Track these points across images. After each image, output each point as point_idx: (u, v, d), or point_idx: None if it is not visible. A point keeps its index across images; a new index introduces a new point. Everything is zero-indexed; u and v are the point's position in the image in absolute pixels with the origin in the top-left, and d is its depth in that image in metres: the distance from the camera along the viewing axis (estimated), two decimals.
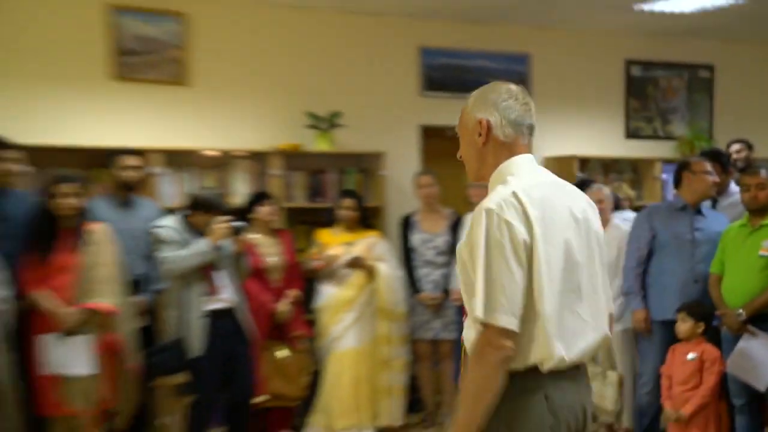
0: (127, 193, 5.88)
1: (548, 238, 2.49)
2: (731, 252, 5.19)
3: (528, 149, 2.70)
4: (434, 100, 7.54)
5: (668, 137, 8.64)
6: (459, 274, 2.63)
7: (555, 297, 2.49)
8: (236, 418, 5.58)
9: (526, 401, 2.50)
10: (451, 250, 6.30)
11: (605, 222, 5.93)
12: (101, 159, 6.06)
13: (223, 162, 6.77)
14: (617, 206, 6.27)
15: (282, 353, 6.15)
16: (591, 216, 2.70)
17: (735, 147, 6.83)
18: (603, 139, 8.35)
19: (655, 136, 8.64)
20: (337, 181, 7.08)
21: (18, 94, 6.21)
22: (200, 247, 5.32)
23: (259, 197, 6.22)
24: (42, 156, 5.99)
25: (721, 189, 5.87)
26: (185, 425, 5.52)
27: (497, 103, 2.66)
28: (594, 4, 7.28)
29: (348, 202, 6.44)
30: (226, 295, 5.46)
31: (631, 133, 8.55)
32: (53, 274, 5.26)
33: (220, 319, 5.40)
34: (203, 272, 5.37)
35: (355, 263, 6.29)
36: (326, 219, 6.57)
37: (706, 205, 5.64)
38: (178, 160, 6.57)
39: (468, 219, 6.19)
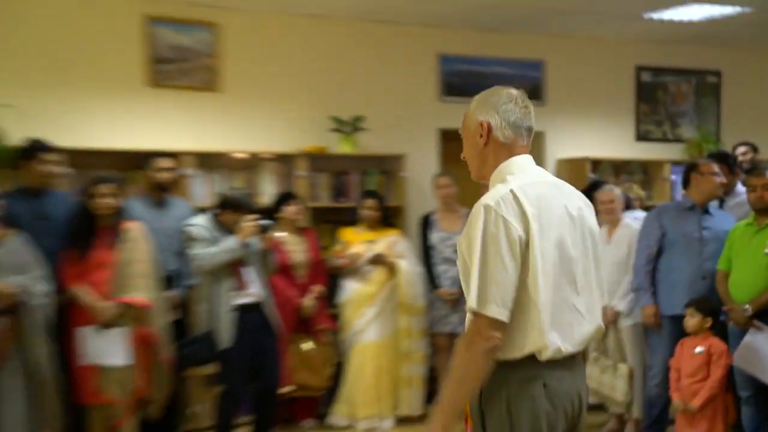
0: (161, 193, 5.90)
1: (544, 233, 2.50)
2: (738, 250, 5.15)
3: (526, 150, 2.71)
4: (452, 105, 7.47)
5: (677, 140, 8.57)
6: (459, 265, 2.63)
7: (550, 289, 2.50)
8: (263, 407, 5.57)
9: (526, 389, 2.52)
10: None
11: (616, 221, 5.90)
12: (137, 161, 6.10)
13: (252, 164, 6.78)
14: (628, 206, 6.23)
15: (307, 345, 6.16)
16: (586, 214, 2.71)
17: (741, 149, 6.78)
18: (614, 141, 8.29)
19: (664, 139, 8.57)
20: (359, 182, 7.07)
21: (59, 100, 6.23)
22: (229, 244, 5.32)
23: (286, 197, 6.24)
24: (81, 158, 6.04)
25: (728, 189, 5.82)
26: (215, 414, 5.53)
27: (498, 106, 2.66)
28: (605, 14, 7.23)
29: (370, 202, 6.44)
30: (253, 290, 5.45)
31: (642, 136, 8.49)
32: (91, 270, 5.29)
33: (249, 312, 5.39)
34: (232, 268, 5.37)
35: (377, 260, 6.28)
36: (349, 218, 6.56)
37: (713, 204, 5.60)
38: (209, 162, 6.58)
39: None
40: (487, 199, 2.51)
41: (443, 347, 6.51)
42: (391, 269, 6.31)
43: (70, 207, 5.50)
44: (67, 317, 5.31)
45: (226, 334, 5.30)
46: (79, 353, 5.27)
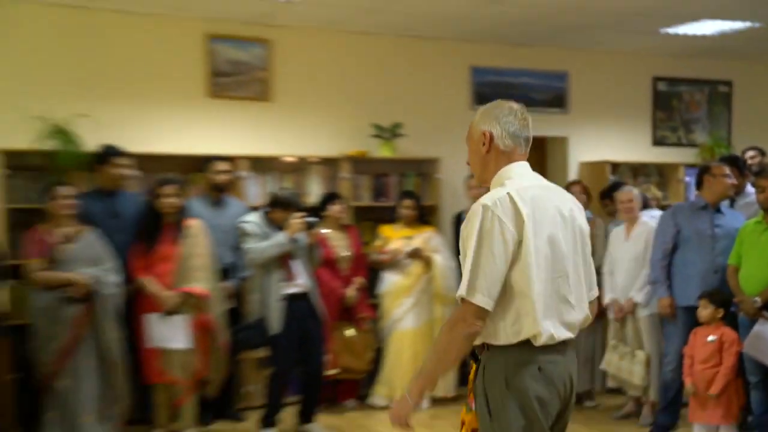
0: (218, 193, 5.92)
1: (537, 232, 2.53)
2: (748, 246, 5.05)
3: (524, 157, 2.73)
4: None
5: (691, 144, 8.46)
6: (461, 258, 2.64)
7: (542, 282, 2.52)
8: (310, 388, 5.56)
9: (523, 371, 2.54)
10: None
11: (634, 219, 5.81)
12: (197, 165, 6.13)
13: (300, 167, 6.77)
14: (646, 205, 6.14)
15: (350, 332, 6.14)
16: (577, 215, 2.72)
17: (750, 153, 6.65)
18: (632, 146, 8.19)
19: (679, 144, 8.47)
20: (398, 183, 7.03)
21: (129, 110, 6.26)
22: (279, 239, 5.30)
23: (331, 197, 6.22)
24: (148, 162, 6.08)
25: (738, 190, 5.73)
26: (266, 393, 5.53)
27: (499, 118, 2.69)
28: (625, 28, 7.15)
29: (408, 201, 6.40)
30: (301, 281, 5.43)
31: (658, 141, 8.38)
32: (157, 262, 5.33)
33: (296, 301, 5.38)
34: (281, 261, 5.35)
35: (415, 254, 6.24)
36: (389, 216, 6.53)
37: (724, 204, 5.50)
38: (262, 165, 6.57)
39: None
40: (486, 199, 2.55)
41: None
42: (427, 263, 6.26)
43: (138, 206, 5.55)
44: (135, 305, 5.36)
45: (275, 321, 5.29)
46: (146, 337, 5.31)
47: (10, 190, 5.67)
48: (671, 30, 7.22)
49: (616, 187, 6.34)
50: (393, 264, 6.27)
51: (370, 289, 6.33)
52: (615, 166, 7.77)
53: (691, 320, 5.20)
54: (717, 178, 5.35)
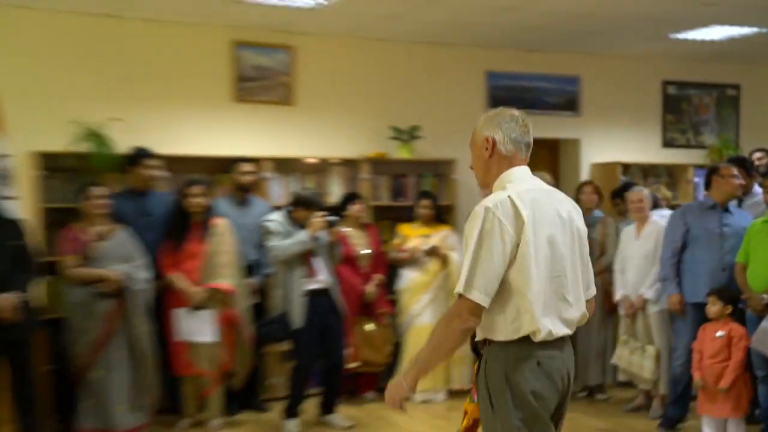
0: (243, 193, 5.92)
1: (537, 233, 2.53)
2: (755, 244, 5.00)
3: (525, 162, 2.73)
4: None
5: (700, 146, 8.39)
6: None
7: (541, 281, 2.53)
8: (330, 380, 5.55)
9: (522, 365, 2.55)
10: None
11: (644, 219, 5.76)
12: (224, 166, 6.14)
13: (322, 168, 6.76)
14: (656, 205, 6.09)
15: (369, 327, 6.13)
16: (575, 217, 2.72)
17: (757, 155, 6.57)
18: (643, 147, 8.13)
19: (688, 146, 8.40)
20: (415, 183, 7.01)
21: (159, 114, 6.28)
22: (301, 237, 5.29)
23: (351, 197, 6.21)
24: (177, 164, 6.10)
25: (746, 190, 5.67)
26: (289, 385, 5.51)
27: (501, 124, 2.70)
28: (635, 34, 7.09)
29: (425, 201, 6.38)
30: (322, 277, 5.42)
31: (667, 143, 8.32)
32: (185, 259, 5.35)
33: (318, 297, 5.37)
34: (303, 258, 5.34)
35: (432, 252, 6.22)
36: (407, 215, 6.51)
37: (732, 204, 5.44)
38: (285, 166, 6.58)
39: None
40: (488, 201, 2.55)
41: None
42: (444, 260, 6.24)
43: (167, 206, 5.56)
44: (164, 300, 5.38)
45: (298, 316, 5.28)
46: (174, 331, 5.33)
47: (47, 191, 5.71)
48: (680, 35, 7.16)
49: (627, 187, 6.29)
50: (411, 261, 6.25)
51: (388, 286, 6.31)
52: (626, 167, 7.72)
53: (700, 316, 5.15)
54: (725, 178, 5.29)
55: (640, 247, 5.72)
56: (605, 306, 6.13)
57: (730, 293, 5.00)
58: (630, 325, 5.81)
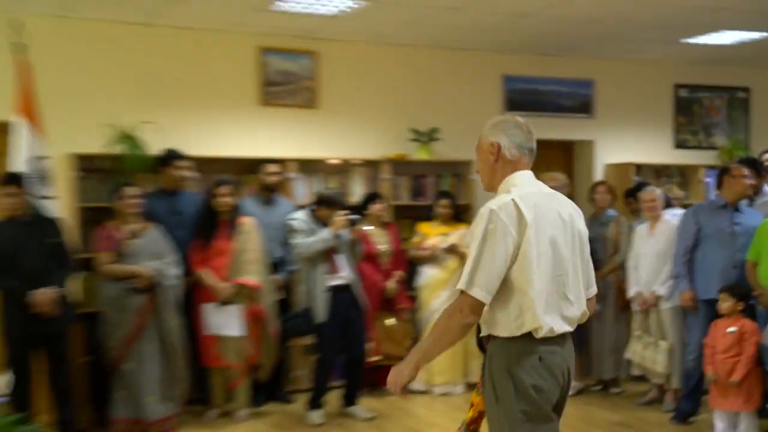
0: (269, 193, 5.92)
1: (539, 234, 2.54)
2: (766, 242, 4.92)
3: (528, 167, 2.74)
4: None
5: (711, 147, 8.30)
6: None
7: (543, 280, 2.53)
8: (352, 373, 5.54)
9: (524, 360, 2.56)
10: None
11: (657, 218, 5.70)
12: (250, 167, 6.14)
13: (344, 169, 6.75)
14: (668, 204, 6.02)
15: (390, 321, 6.11)
16: (576, 219, 2.73)
17: (766, 156, 6.47)
18: (655, 149, 8.05)
19: (699, 147, 8.30)
20: (435, 183, 6.98)
21: (189, 117, 6.30)
22: (324, 235, 5.28)
23: (372, 197, 6.19)
24: (206, 165, 6.12)
25: (756, 190, 5.58)
26: (312, 378, 5.51)
27: (506, 130, 2.71)
28: (647, 39, 7.03)
29: (444, 201, 6.34)
30: (344, 273, 5.40)
31: (679, 144, 8.23)
32: (213, 256, 5.36)
33: (340, 293, 5.35)
34: (326, 255, 5.33)
35: (451, 250, 6.18)
36: (426, 214, 6.47)
37: (743, 203, 5.35)
38: (309, 167, 6.58)
39: None
40: (493, 204, 2.56)
41: None
42: (462, 258, 6.17)
43: (197, 205, 5.56)
44: (193, 295, 5.38)
45: (321, 311, 5.27)
46: (203, 325, 5.34)
47: (83, 191, 5.75)
48: (691, 40, 7.08)
49: (640, 187, 6.23)
50: (431, 259, 6.22)
51: (408, 282, 6.28)
52: (639, 168, 7.65)
53: (712, 312, 5.08)
54: (736, 178, 5.23)
55: (653, 245, 5.65)
56: (619, 302, 6.08)
57: (742, 290, 4.93)
58: (643, 321, 5.75)
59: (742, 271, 5.05)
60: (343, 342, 5.38)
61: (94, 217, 5.63)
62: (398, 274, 6.16)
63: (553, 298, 2.56)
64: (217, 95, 6.42)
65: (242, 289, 5.32)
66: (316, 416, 5.36)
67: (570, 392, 6.07)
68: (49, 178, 5.08)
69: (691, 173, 7.90)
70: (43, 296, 4.63)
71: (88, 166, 5.80)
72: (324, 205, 5.42)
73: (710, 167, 7.71)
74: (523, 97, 7.47)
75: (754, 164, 5.62)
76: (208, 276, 5.30)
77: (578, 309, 2.66)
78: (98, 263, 5.14)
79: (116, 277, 5.08)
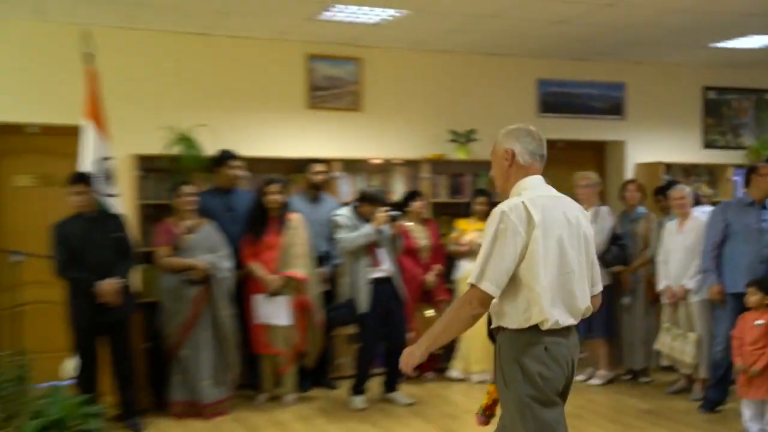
0: (315, 191, 5.88)
1: (546, 234, 2.57)
2: None
3: (539, 172, 2.76)
4: (547, 120, 7.24)
5: (738, 147, 8.06)
6: None
7: (549, 277, 2.56)
8: (393, 361, 5.38)
9: (532, 350, 2.58)
10: None
11: (686, 215, 5.54)
12: (298, 166, 6.12)
13: (386, 168, 6.69)
14: (698, 202, 5.85)
15: (429, 313, 6.03)
16: (582, 220, 2.74)
17: None
18: (684, 149, 7.83)
19: (727, 147, 8.06)
20: (472, 182, 6.86)
21: (241, 120, 6.28)
22: (366, 230, 5.22)
23: (412, 194, 6.12)
24: (257, 164, 6.10)
25: None
26: (355, 365, 5.46)
27: (519, 138, 2.74)
28: (677, 43, 6.84)
29: (481, 198, 6.23)
30: (385, 266, 5.33)
31: (708, 144, 8.00)
32: (263, 250, 5.34)
33: (381, 285, 5.29)
34: (369, 249, 5.27)
35: None
36: (463, 211, 6.38)
37: None
38: (353, 166, 6.52)
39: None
40: (504, 205, 2.60)
41: None
42: None
43: (249, 202, 5.54)
44: (245, 287, 5.37)
45: (363, 302, 5.21)
46: (254, 315, 5.32)
47: (143, 189, 5.77)
48: (720, 44, 6.87)
49: (669, 185, 6.07)
50: (468, 253, 6.11)
51: (446, 275, 6.18)
52: (668, 167, 7.47)
53: (739, 306, 4.91)
54: (763, 177, 5.06)
55: (682, 241, 5.49)
56: (649, 295, 5.94)
57: None
58: (672, 314, 5.59)
59: None
60: (384, 331, 5.31)
61: (153, 214, 5.66)
62: (437, 267, 6.07)
63: (559, 294, 2.58)
64: (268, 99, 6.40)
65: (290, 281, 5.28)
66: (358, 401, 5.30)
67: (600, 381, 5.96)
68: (114, 177, 5.11)
69: (720, 172, 7.71)
70: (108, 287, 4.65)
71: (149, 166, 5.82)
72: (366, 202, 5.36)
73: (738, 166, 7.53)
74: (557, 100, 7.34)
75: None
76: (258, 269, 5.27)
77: (583, 304, 2.67)
78: (157, 256, 5.16)
79: (174, 270, 5.09)
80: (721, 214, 5.20)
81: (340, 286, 5.41)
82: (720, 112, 8.02)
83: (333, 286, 5.61)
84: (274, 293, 5.25)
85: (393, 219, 5.30)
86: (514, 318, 2.59)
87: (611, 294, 5.94)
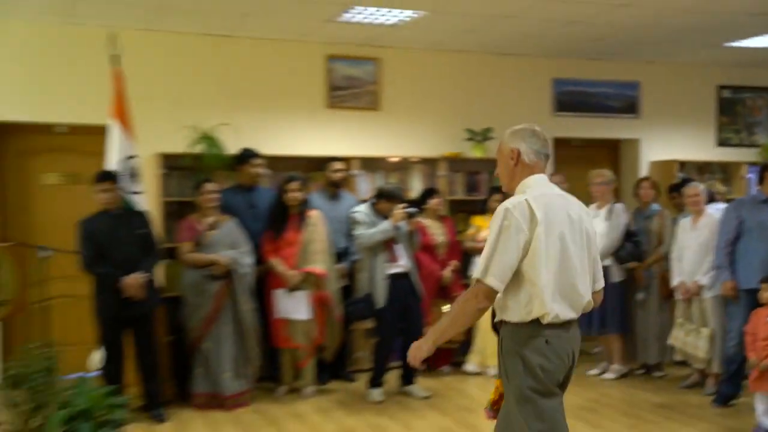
0: (334, 189, 5.85)
1: (549, 231, 2.59)
2: None
3: (543, 170, 2.78)
4: (563, 119, 7.18)
5: (752, 145, 7.93)
6: None
7: (551, 272, 2.58)
8: None
9: (533, 342, 2.61)
10: None
11: (700, 212, 5.47)
12: (318, 164, 6.10)
13: (403, 166, 6.65)
14: (712, 199, 5.76)
15: (446, 308, 5.95)
16: (584, 218, 2.75)
17: None
18: (698, 146, 7.72)
19: (741, 145, 7.94)
20: (488, 180, 6.80)
21: (262, 119, 6.27)
22: (384, 227, 5.20)
23: (430, 192, 6.07)
24: (277, 162, 6.09)
25: None
26: (373, 359, 5.43)
27: (525, 138, 2.75)
28: (691, 43, 6.73)
29: (497, 195, 6.13)
30: (403, 262, 5.31)
31: (722, 142, 7.88)
32: (283, 246, 5.33)
33: (398, 280, 5.26)
34: (386, 245, 5.24)
35: None
36: (480, 208, 6.32)
37: None
38: (371, 164, 6.49)
39: (591, 209, 5.88)
40: (508, 203, 2.62)
41: None
42: None
43: (270, 199, 5.53)
44: (265, 282, 5.36)
45: (381, 297, 5.19)
46: (274, 309, 5.31)
47: (166, 187, 5.77)
48: (734, 44, 6.75)
49: (684, 183, 5.99)
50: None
51: (463, 271, 6.13)
52: (682, 165, 7.37)
53: (752, 301, 4.84)
54: None
55: (696, 238, 5.42)
56: (663, 291, 5.86)
57: None
58: (686, 309, 5.52)
59: None
60: (402, 326, 5.28)
61: (177, 211, 5.67)
62: (453, 263, 6.03)
63: (560, 288, 2.60)
64: (288, 99, 6.38)
65: (309, 277, 5.27)
66: (376, 394, 5.28)
67: (614, 375, 5.90)
68: (138, 175, 5.12)
69: (734, 169, 7.59)
70: (133, 281, 4.67)
71: (172, 165, 5.83)
72: (384, 199, 5.33)
73: (752, 164, 7.42)
74: (572, 99, 7.27)
75: None
76: (278, 264, 5.27)
77: (584, 299, 2.68)
78: (180, 252, 5.17)
79: (196, 265, 5.10)
80: (735, 211, 5.13)
81: (358, 281, 5.38)
82: (734, 111, 7.91)
83: (351, 281, 5.58)
84: (294, 288, 5.24)
85: (410, 216, 5.27)
86: (516, 312, 2.62)
87: (625, 290, 5.87)
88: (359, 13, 5.58)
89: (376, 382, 5.32)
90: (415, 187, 6.54)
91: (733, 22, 5.98)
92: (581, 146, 7.40)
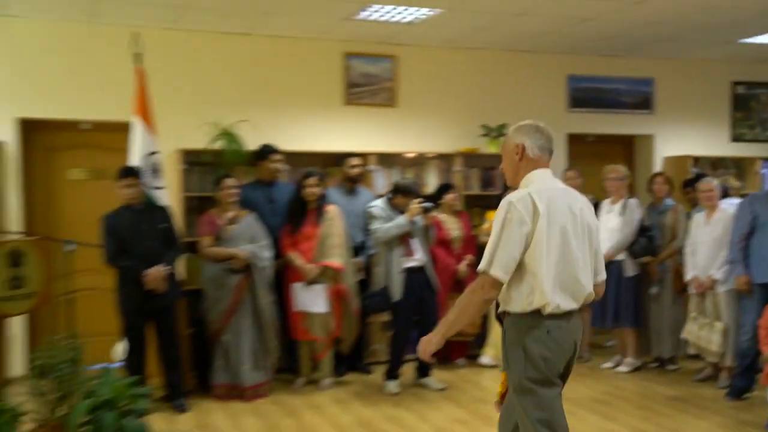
0: (352, 184, 5.82)
1: (551, 224, 2.60)
2: None
3: (547, 165, 2.78)
4: (577, 115, 7.11)
5: (766, 141, 7.82)
6: None
7: (552, 264, 2.59)
8: None
9: (534, 332, 2.62)
10: None
11: (713, 207, 5.39)
12: (335, 160, 6.07)
13: (419, 161, 6.61)
14: (726, 194, 5.68)
15: None
16: (586, 212, 2.76)
17: None
18: (712, 142, 7.63)
19: (755, 140, 7.83)
20: (503, 175, 6.71)
21: (281, 116, 6.27)
22: (400, 221, 5.16)
23: (445, 187, 6.02)
24: (296, 158, 6.07)
25: None
26: (389, 351, 5.40)
27: (529, 134, 2.77)
28: (706, 39, 6.64)
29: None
30: (418, 256, 5.27)
31: (736, 138, 7.78)
32: (301, 241, 5.32)
33: (414, 273, 5.23)
34: (402, 240, 5.21)
35: None
36: (495, 203, 6.18)
37: None
38: (388, 160, 6.45)
39: (605, 204, 5.71)
40: (512, 196, 2.63)
41: None
42: None
43: (289, 194, 5.52)
44: (284, 275, 5.35)
45: (397, 290, 5.16)
46: (292, 302, 5.30)
47: (187, 182, 5.77)
48: (748, 40, 6.64)
49: (698, 178, 5.90)
50: None
51: (478, 265, 6.09)
52: (696, 160, 7.28)
53: (766, 296, 4.78)
54: None
55: (710, 233, 5.34)
56: (676, 285, 5.78)
57: None
58: (699, 303, 5.44)
59: None
60: (417, 319, 5.25)
61: (197, 206, 5.67)
62: (469, 258, 5.97)
63: (561, 280, 2.61)
64: (307, 96, 6.37)
65: (327, 270, 5.25)
66: (392, 386, 5.26)
67: (627, 369, 5.83)
68: (160, 171, 5.12)
69: (748, 165, 7.49)
70: (155, 274, 4.68)
71: (193, 160, 5.83)
72: (400, 194, 5.29)
73: (766, 159, 7.34)
74: (587, 95, 7.19)
75: None
76: (297, 258, 5.25)
77: (585, 290, 2.69)
78: (201, 246, 5.17)
79: (216, 259, 5.10)
80: (749, 206, 5.04)
81: (374, 275, 5.35)
82: (748, 107, 7.79)
83: (368, 275, 5.55)
84: (312, 282, 5.23)
85: (426, 210, 5.23)
86: (518, 302, 2.63)
87: (639, 284, 5.80)
88: (376, 11, 5.55)
89: (392, 374, 5.29)
90: (431, 182, 6.50)
91: (747, 18, 5.88)
92: (596, 142, 7.32)
